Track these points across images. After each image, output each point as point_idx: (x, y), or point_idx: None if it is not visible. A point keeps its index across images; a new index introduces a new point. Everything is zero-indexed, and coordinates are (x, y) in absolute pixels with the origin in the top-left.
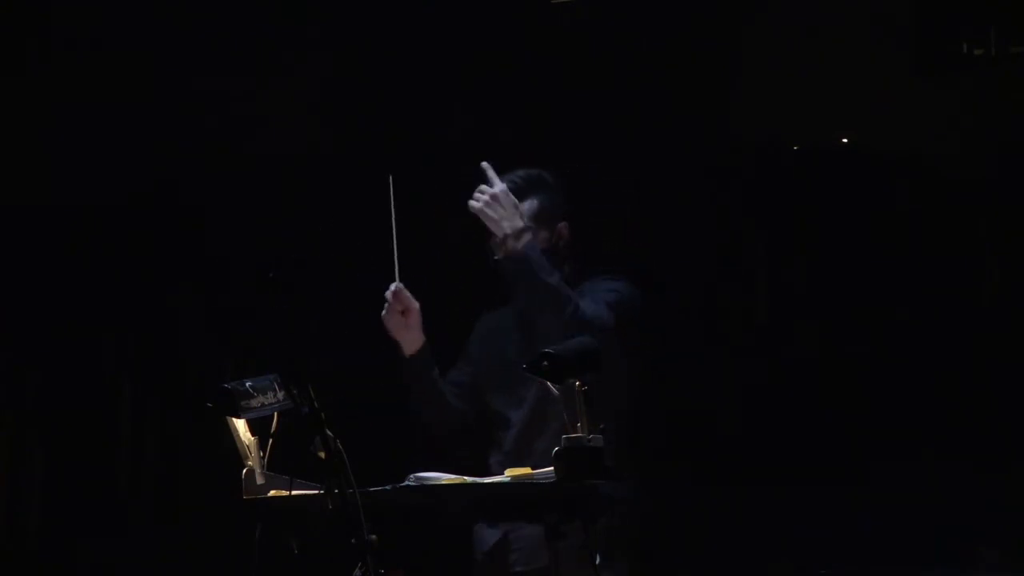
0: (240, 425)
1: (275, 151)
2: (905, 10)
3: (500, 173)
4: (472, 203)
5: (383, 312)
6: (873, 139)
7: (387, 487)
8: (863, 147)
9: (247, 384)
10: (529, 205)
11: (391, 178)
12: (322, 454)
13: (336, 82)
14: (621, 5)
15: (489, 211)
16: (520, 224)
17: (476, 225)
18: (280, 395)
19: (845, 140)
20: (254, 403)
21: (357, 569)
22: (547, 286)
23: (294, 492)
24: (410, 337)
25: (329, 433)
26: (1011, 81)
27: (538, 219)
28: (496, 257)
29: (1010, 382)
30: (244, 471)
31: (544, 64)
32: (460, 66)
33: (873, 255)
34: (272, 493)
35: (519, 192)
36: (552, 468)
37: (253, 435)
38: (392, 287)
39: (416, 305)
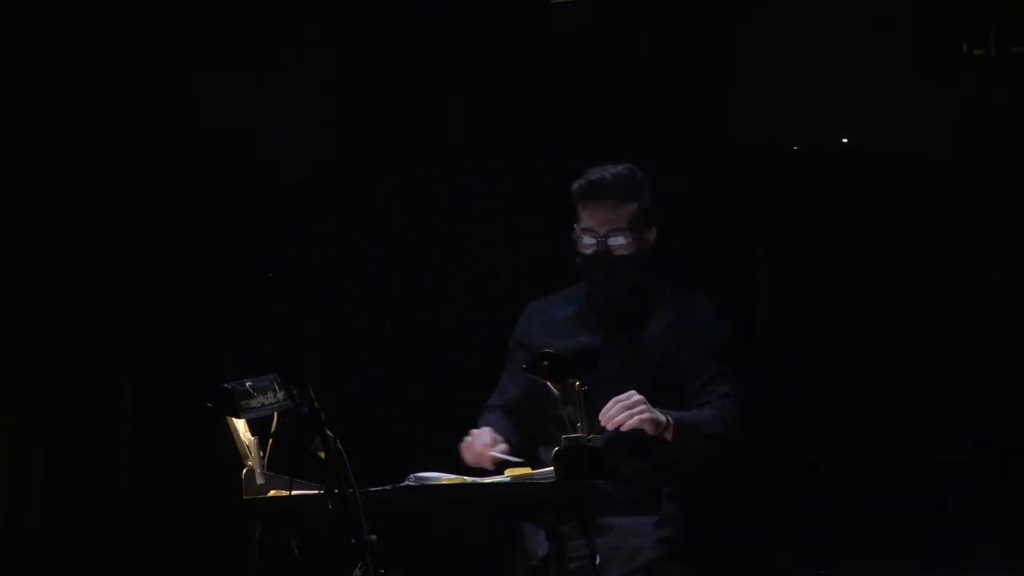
0: (240, 425)
1: (275, 151)
2: (905, 10)
3: (510, 186)
4: (628, 422)
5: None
6: (873, 139)
7: (387, 487)
8: (863, 147)
9: (247, 384)
10: (633, 208)
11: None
12: (322, 454)
13: (336, 82)
14: (621, 5)
15: (647, 416)
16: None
17: (475, 225)
18: (280, 395)
19: (845, 140)
20: (254, 403)
21: (357, 569)
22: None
23: (294, 492)
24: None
25: (329, 433)
26: (1011, 81)
27: (637, 217)
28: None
29: (1010, 382)
30: (244, 471)
31: (544, 64)
32: (460, 66)
33: (873, 255)
34: (272, 493)
35: (626, 194)
36: (552, 468)
37: (253, 435)
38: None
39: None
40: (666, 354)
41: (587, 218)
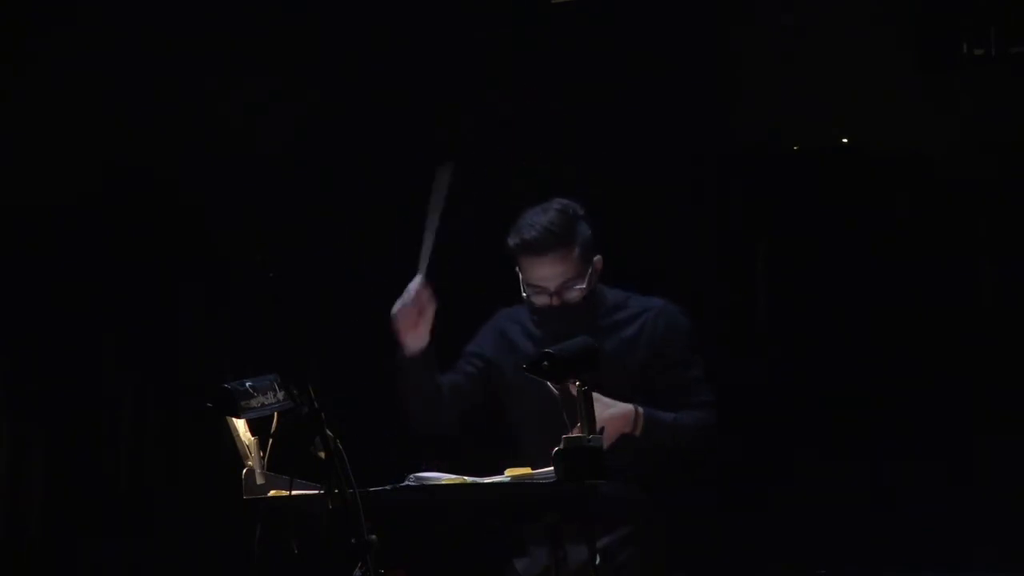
0: (240, 425)
1: (274, 151)
2: (906, 10)
3: (511, 186)
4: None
5: (397, 307)
6: (873, 139)
7: (387, 487)
8: (863, 147)
9: (247, 384)
10: (576, 254)
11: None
12: (322, 454)
13: (334, 82)
14: (621, 5)
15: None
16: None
17: (477, 224)
18: (280, 395)
19: (845, 140)
20: (254, 403)
21: (357, 569)
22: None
23: (294, 492)
24: (417, 337)
25: (329, 433)
26: (1011, 81)
27: (582, 259)
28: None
29: (1009, 382)
30: (244, 471)
31: (544, 65)
32: (460, 66)
33: (873, 255)
34: (272, 493)
35: (566, 240)
36: (552, 468)
37: (253, 435)
38: (416, 281)
39: (433, 307)
40: (635, 366)
41: (535, 276)
